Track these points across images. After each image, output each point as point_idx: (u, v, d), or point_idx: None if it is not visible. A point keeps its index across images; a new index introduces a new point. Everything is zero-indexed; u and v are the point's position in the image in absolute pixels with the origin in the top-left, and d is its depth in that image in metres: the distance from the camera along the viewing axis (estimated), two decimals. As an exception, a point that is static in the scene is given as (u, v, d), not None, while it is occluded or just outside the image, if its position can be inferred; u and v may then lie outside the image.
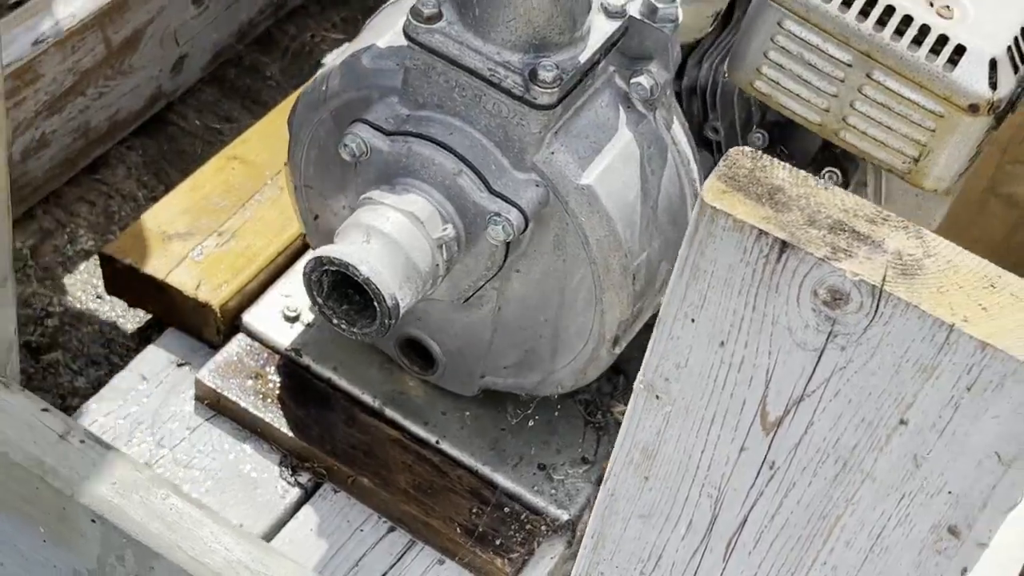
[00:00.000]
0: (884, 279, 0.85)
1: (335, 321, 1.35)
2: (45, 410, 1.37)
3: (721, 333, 0.92)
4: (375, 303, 1.30)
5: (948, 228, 1.67)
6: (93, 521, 1.32)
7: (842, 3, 1.32)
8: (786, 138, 1.50)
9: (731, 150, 0.90)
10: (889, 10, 1.31)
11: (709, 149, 1.58)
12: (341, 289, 1.34)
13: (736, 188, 0.89)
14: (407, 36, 1.33)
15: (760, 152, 0.91)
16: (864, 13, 1.32)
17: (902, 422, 0.89)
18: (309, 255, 1.36)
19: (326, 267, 1.30)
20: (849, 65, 1.33)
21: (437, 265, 1.34)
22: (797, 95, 1.38)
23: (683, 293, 0.92)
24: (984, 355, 0.83)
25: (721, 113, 1.52)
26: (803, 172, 0.90)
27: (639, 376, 0.98)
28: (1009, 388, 0.84)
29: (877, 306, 0.85)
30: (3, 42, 1.69)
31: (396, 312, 1.31)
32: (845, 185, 1.49)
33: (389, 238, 1.31)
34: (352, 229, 1.33)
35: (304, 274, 1.33)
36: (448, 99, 1.35)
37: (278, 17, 2.16)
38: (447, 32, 1.31)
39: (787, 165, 0.91)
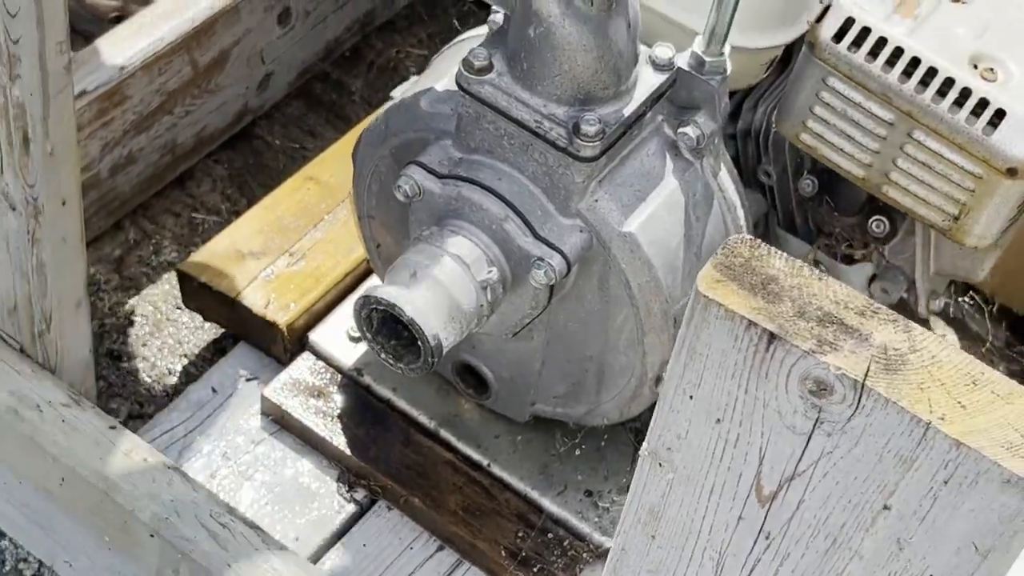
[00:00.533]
0: (866, 374, 0.88)
1: (383, 356, 1.41)
2: (112, 428, 1.46)
3: (717, 411, 0.96)
4: (419, 342, 1.36)
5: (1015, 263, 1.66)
6: (151, 536, 1.40)
7: (885, 63, 1.34)
8: (836, 185, 1.52)
9: (731, 238, 0.94)
10: (932, 72, 1.32)
11: (763, 191, 1.60)
12: (390, 325, 1.40)
13: (731, 277, 0.93)
14: (459, 85, 1.38)
15: (759, 241, 0.95)
16: (907, 73, 1.33)
17: (886, 507, 0.93)
18: (364, 288, 1.42)
19: (374, 306, 1.37)
20: (891, 124, 1.35)
21: (482, 305, 1.40)
22: (841, 149, 1.40)
23: (682, 371, 0.96)
24: (959, 453, 0.86)
25: (773, 158, 1.55)
26: (799, 262, 0.94)
27: (644, 443, 1.03)
28: (983, 485, 0.87)
29: (859, 399, 0.89)
30: (92, 67, 1.77)
31: (439, 351, 1.36)
32: (893, 233, 1.51)
33: (435, 280, 1.37)
34: (400, 269, 1.38)
35: (355, 310, 1.40)
36: (498, 146, 1.39)
37: (364, 34, 2.22)
38: (496, 84, 1.36)
39: (784, 255, 0.94)
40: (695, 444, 0.99)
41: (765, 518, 1.00)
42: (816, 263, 1.56)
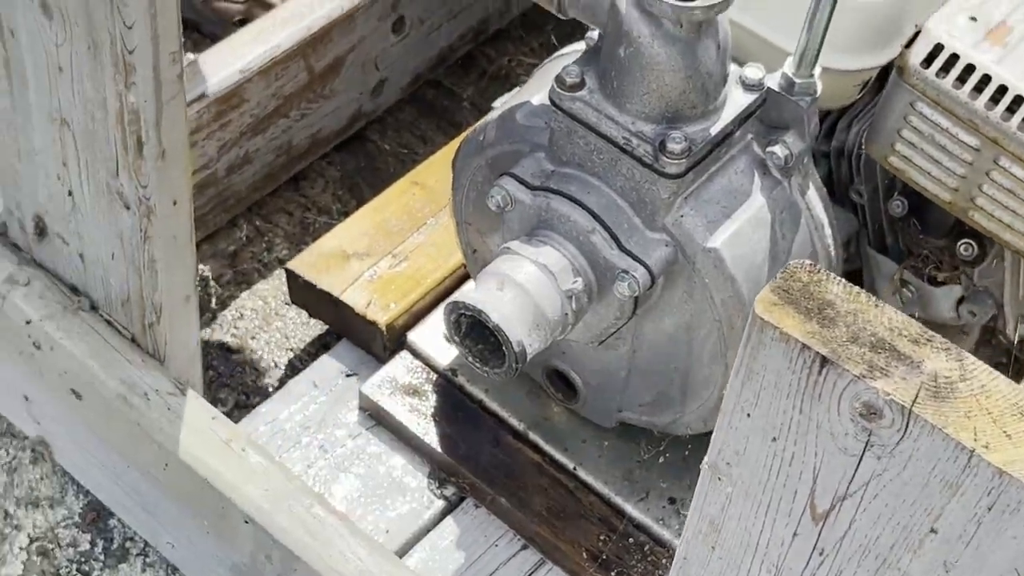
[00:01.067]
0: (915, 400, 0.91)
1: (470, 359, 1.46)
2: (214, 418, 1.53)
3: (773, 429, 0.99)
4: (503, 347, 1.41)
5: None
6: (246, 522, 1.47)
7: (973, 89, 1.35)
8: (925, 207, 1.53)
9: (791, 263, 0.97)
10: (1019, 100, 1.33)
11: (855, 210, 1.62)
12: (478, 330, 1.45)
13: (788, 301, 0.96)
14: (552, 101, 1.42)
15: (818, 266, 0.98)
16: (994, 100, 1.34)
17: (933, 530, 0.95)
18: (456, 295, 1.47)
19: (462, 311, 1.42)
20: (977, 150, 1.36)
21: (566, 314, 1.44)
22: (928, 173, 1.42)
23: (739, 389, 1.00)
24: (1002, 481, 0.88)
25: (865, 178, 1.56)
26: (856, 288, 0.97)
27: (706, 457, 1.07)
28: (1025, 514, 0.89)
29: (907, 424, 0.91)
30: (211, 71, 1.86)
31: (523, 357, 1.41)
32: (982, 257, 1.52)
33: (521, 288, 1.41)
34: (489, 276, 1.43)
35: (445, 314, 1.45)
36: (588, 160, 1.44)
37: (477, 42, 2.27)
38: (587, 100, 1.40)
39: (842, 280, 0.97)
40: (752, 460, 1.02)
41: (819, 535, 1.02)
42: (904, 283, 1.57)
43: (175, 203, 1.43)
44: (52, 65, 1.37)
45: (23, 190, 1.55)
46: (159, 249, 1.46)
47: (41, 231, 1.57)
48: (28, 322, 1.58)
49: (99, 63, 1.31)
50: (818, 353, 0.93)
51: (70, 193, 1.48)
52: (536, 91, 1.52)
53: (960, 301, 1.56)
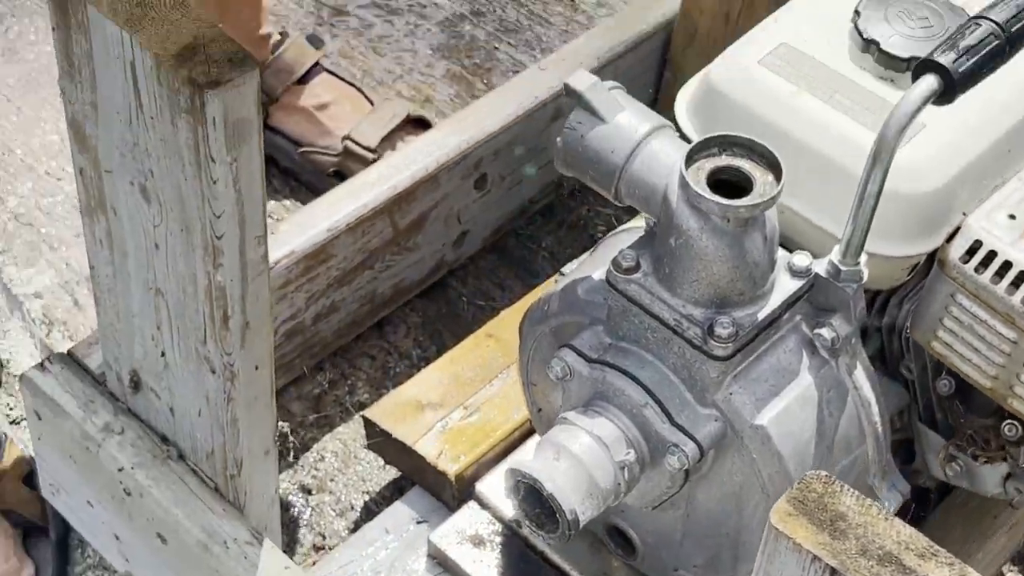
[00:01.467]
0: (916, 614, 0.97)
1: (527, 522, 1.54)
2: (287, 568, 1.63)
3: (791, 628, 1.06)
4: (557, 515, 1.48)
5: None
6: (312, 670, 1.56)
7: (1010, 285, 1.41)
8: (971, 388, 1.58)
9: (808, 474, 1.04)
10: (1053, 297, 1.39)
11: (906, 384, 1.68)
12: (535, 494, 1.53)
13: (802, 512, 1.03)
14: (608, 282, 1.51)
15: (833, 477, 1.04)
16: (1030, 296, 1.40)
17: None
18: (512, 460, 1.56)
19: (519, 478, 1.50)
20: (1015, 342, 1.42)
21: (619, 484, 1.51)
22: (969, 360, 1.48)
23: (761, 588, 1.06)
24: None
25: (914, 355, 1.62)
26: (868, 500, 1.03)
27: (732, 646, 1.13)
28: None
29: (908, 636, 0.97)
30: (302, 229, 1.98)
31: (576, 525, 1.49)
32: (1025, 438, 1.56)
33: (576, 459, 1.49)
34: (547, 445, 1.52)
35: (505, 478, 1.53)
36: (643, 336, 1.52)
37: (559, 195, 2.38)
38: (641, 283, 1.49)
39: (856, 493, 1.04)
40: (773, 655, 1.09)
41: None
42: (951, 458, 1.62)
43: (257, 368, 1.54)
44: (149, 242, 1.49)
45: (121, 347, 1.67)
46: (241, 409, 1.56)
47: (136, 384, 1.69)
48: (120, 469, 1.70)
49: (191, 245, 1.43)
50: (828, 564, 1.00)
51: (163, 354, 1.60)
52: (598, 266, 1.61)
53: (1007, 477, 1.60)
